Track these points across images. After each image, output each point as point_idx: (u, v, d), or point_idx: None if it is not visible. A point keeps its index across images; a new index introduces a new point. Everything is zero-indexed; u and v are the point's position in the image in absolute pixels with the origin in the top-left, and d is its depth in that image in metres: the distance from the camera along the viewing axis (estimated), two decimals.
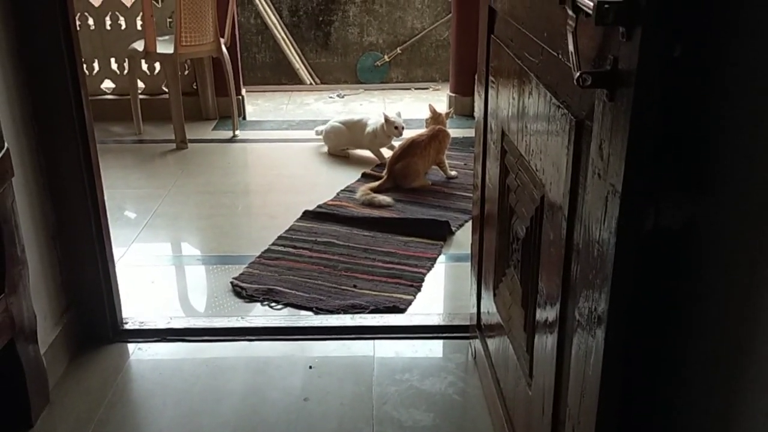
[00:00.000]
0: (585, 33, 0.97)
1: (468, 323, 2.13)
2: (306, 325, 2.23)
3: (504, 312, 1.62)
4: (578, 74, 0.93)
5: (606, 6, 0.86)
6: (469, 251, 2.76)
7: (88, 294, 2.14)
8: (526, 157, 1.38)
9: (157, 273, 2.64)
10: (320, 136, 3.90)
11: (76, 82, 1.98)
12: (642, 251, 0.93)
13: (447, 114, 3.55)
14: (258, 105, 5.39)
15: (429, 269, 2.62)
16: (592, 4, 0.88)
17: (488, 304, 1.82)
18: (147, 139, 4.14)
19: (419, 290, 2.48)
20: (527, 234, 1.39)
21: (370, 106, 5.38)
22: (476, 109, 1.83)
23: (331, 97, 5.69)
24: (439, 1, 5.84)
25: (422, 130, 3.57)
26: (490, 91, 1.70)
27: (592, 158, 0.99)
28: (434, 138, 3.38)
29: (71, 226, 2.07)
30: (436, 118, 3.48)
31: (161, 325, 2.23)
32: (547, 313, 1.25)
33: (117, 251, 2.72)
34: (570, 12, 0.97)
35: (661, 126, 0.89)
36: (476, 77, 1.83)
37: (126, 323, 2.22)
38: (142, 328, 2.21)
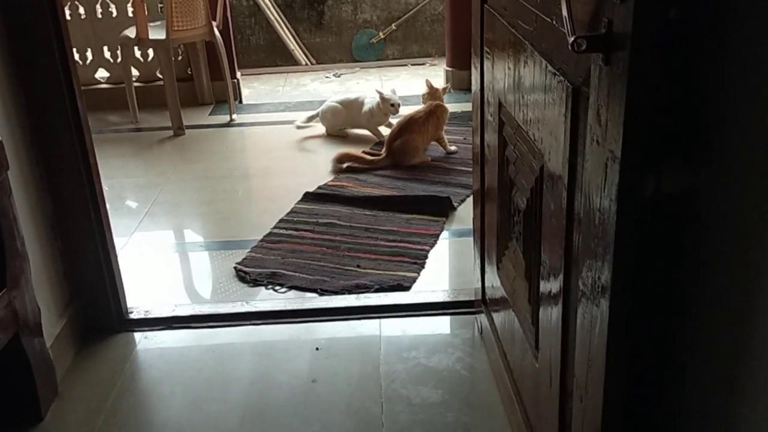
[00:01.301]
0: None
1: (473, 298, 2.13)
2: (311, 307, 2.23)
3: (508, 285, 1.61)
4: (573, 39, 0.90)
5: None
6: (471, 226, 2.77)
7: (91, 284, 2.13)
8: (524, 128, 1.36)
9: (160, 261, 2.63)
10: (304, 127, 3.86)
11: (68, 72, 1.96)
12: (643, 218, 0.92)
13: (444, 89, 3.52)
14: (254, 88, 5.36)
15: (432, 246, 2.61)
16: None
17: (492, 278, 1.81)
18: (144, 127, 4.12)
19: (423, 267, 2.47)
20: (528, 205, 1.37)
21: (367, 84, 5.33)
22: (473, 81, 1.81)
23: (327, 77, 5.64)
24: None
25: (420, 106, 3.54)
26: (486, 63, 1.68)
27: (590, 125, 0.97)
28: (432, 114, 3.35)
29: (70, 217, 2.06)
30: (433, 93, 3.45)
31: (166, 313, 2.22)
32: (550, 285, 1.24)
33: (119, 241, 2.72)
34: None
35: (659, 90, 0.87)
36: (471, 49, 1.81)
37: (131, 312, 2.22)
38: (147, 317, 2.21)
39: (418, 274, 2.43)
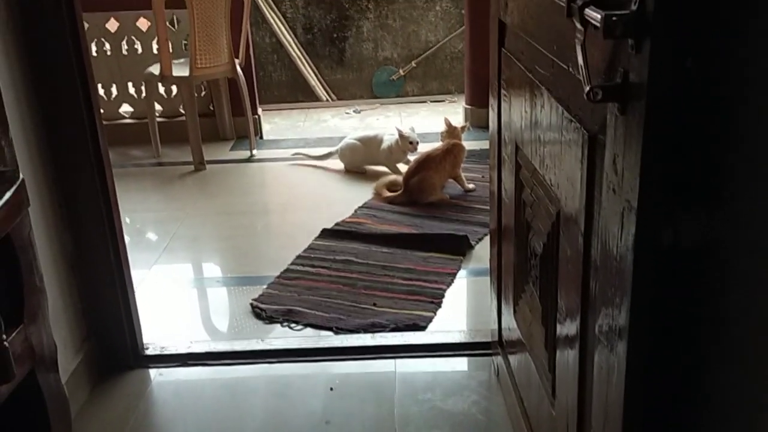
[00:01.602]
0: (594, 46, 0.95)
1: (489, 339, 2.10)
2: (326, 345, 2.21)
3: (524, 329, 1.59)
4: (588, 88, 0.90)
5: (614, 18, 0.84)
6: (489, 266, 2.75)
7: (108, 321, 2.14)
8: (540, 172, 1.35)
9: (177, 296, 2.64)
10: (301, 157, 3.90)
11: (91, 111, 2.00)
12: (661, 266, 0.91)
13: (463, 127, 3.53)
14: (275, 123, 5.42)
15: (449, 285, 2.60)
16: (599, 16, 0.86)
17: (509, 321, 1.79)
18: (166, 161, 4.17)
19: (440, 306, 2.45)
20: (545, 250, 1.36)
21: (387, 121, 5.37)
22: (490, 122, 1.82)
23: (347, 113, 5.69)
24: (453, 14, 5.83)
25: (438, 144, 3.56)
26: (503, 104, 1.68)
27: (606, 173, 0.97)
28: (449, 152, 3.36)
29: (89, 253, 2.08)
30: (451, 131, 3.46)
31: (182, 349, 2.22)
32: (567, 331, 1.22)
33: (137, 275, 2.74)
34: (578, 25, 0.95)
35: (676, 139, 0.86)
36: (489, 90, 1.82)
37: (147, 348, 2.22)
38: (162, 353, 2.20)
39: (435, 313, 2.41)
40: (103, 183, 2.06)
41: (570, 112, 1.14)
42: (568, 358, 1.22)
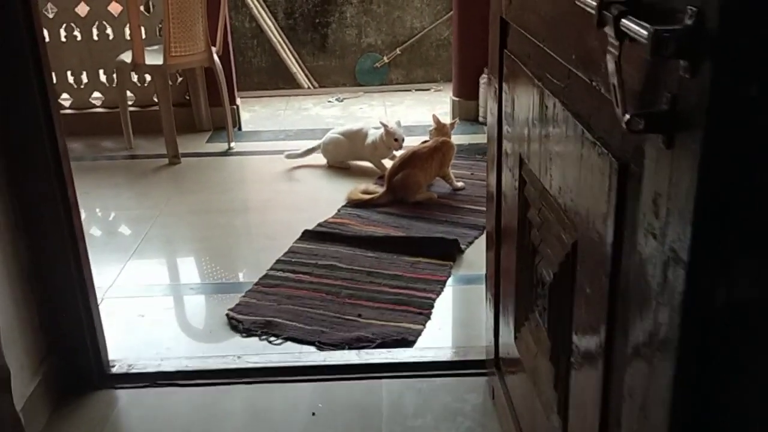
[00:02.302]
0: (632, 63, 0.80)
1: (484, 357, 1.96)
2: (308, 363, 2.06)
3: (528, 360, 1.45)
4: (628, 117, 0.75)
5: (666, 34, 0.68)
6: (481, 272, 2.59)
7: (70, 337, 1.97)
8: (551, 193, 1.20)
9: (147, 305, 2.46)
10: (293, 160, 3.71)
11: (47, 103, 1.80)
12: (710, 328, 0.76)
13: (452, 124, 3.37)
14: (255, 111, 5.23)
15: (438, 293, 2.45)
16: (643, 31, 0.71)
17: (507, 339, 1.65)
18: (139, 154, 3.97)
19: (429, 318, 2.31)
20: (555, 280, 1.21)
21: (371, 110, 5.20)
22: (489, 122, 1.66)
23: (329, 101, 5.52)
24: (439, 0, 5.65)
25: (425, 137, 3.40)
26: (505, 110, 1.52)
27: (643, 214, 0.82)
28: (437, 150, 3.20)
29: (47, 263, 1.90)
30: (440, 129, 3.30)
31: (151, 368, 2.06)
32: (584, 378, 1.08)
33: (104, 281, 2.58)
34: (611, 38, 0.79)
35: (737, 179, 0.71)
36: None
37: (113, 366, 2.05)
38: (130, 372, 2.04)
39: (424, 325, 2.27)
40: (61, 184, 1.86)
41: (592, 132, 0.98)
42: (585, 411, 1.08)
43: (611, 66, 0.81)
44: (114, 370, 2.05)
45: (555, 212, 1.19)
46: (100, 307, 2.42)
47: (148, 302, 2.49)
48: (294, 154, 3.69)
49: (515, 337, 1.55)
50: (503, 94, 1.51)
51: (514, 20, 1.36)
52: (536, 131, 1.27)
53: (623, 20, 0.76)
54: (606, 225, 0.93)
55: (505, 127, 1.54)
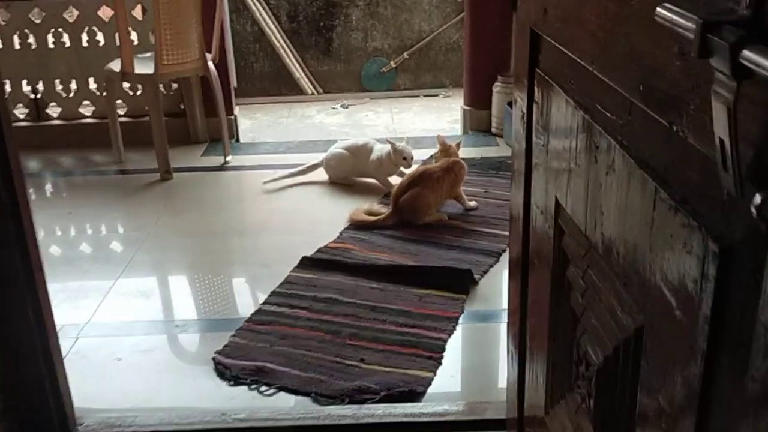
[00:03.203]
0: (754, 112, 0.54)
1: (505, 416, 1.70)
2: (301, 423, 1.79)
3: None
4: (760, 200, 0.49)
5: None
6: (497, 307, 2.34)
7: (29, 391, 1.72)
8: (602, 254, 0.94)
9: (126, 346, 2.21)
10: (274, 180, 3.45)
11: None
12: None
13: (457, 144, 3.10)
14: (256, 119, 5.00)
15: (450, 333, 2.19)
16: None
17: (535, 404, 1.39)
18: (129, 168, 3.73)
19: (440, 363, 2.05)
20: (607, 366, 0.95)
21: (377, 117, 4.96)
22: (513, 144, 1.39)
23: (334, 108, 5.29)
24: (448, 2, 5.40)
25: (434, 150, 3.14)
26: (535, 141, 1.26)
27: (762, 324, 0.56)
28: (449, 171, 2.94)
29: (1, 307, 1.65)
30: (446, 150, 3.03)
31: (124, 424, 1.80)
32: None
33: (81, 316, 2.34)
34: (721, 74, 0.53)
35: None
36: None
37: (80, 425, 1.80)
38: (99, 430, 1.78)
39: (434, 372, 2.01)
40: (14, 209, 1.59)
41: (670, 192, 0.72)
42: None
43: (720, 114, 0.55)
44: (80, 428, 1.79)
45: (608, 281, 0.93)
46: (74, 348, 2.19)
47: (128, 342, 2.24)
48: (276, 176, 3.41)
49: (546, 412, 1.29)
50: (533, 122, 1.25)
51: (551, 34, 1.09)
52: (580, 173, 1.00)
53: (745, 51, 0.50)
54: (696, 324, 0.67)
55: (534, 160, 1.27)
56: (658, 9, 0.64)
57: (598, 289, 0.97)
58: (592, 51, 0.92)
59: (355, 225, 2.89)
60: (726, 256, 0.62)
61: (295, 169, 3.46)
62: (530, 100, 1.27)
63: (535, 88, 1.23)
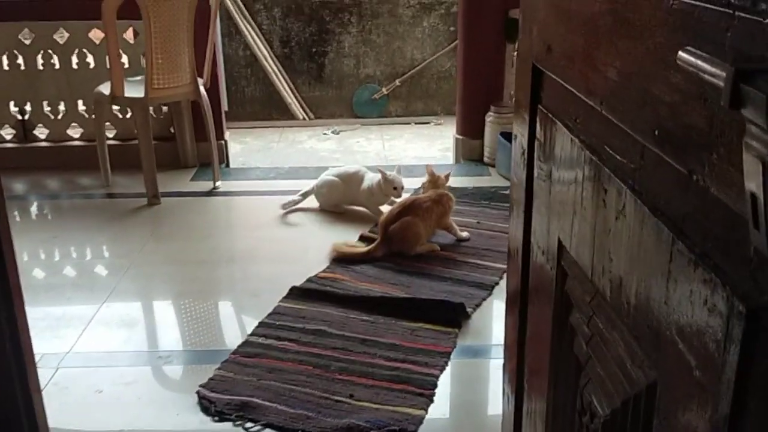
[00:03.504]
0: None
1: None
2: None
3: None
4: None
5: None
6: (490, 342, 2.30)
7: (3, 426, 1.64)
8: (610, 303, 0.90)
9: (108, 378, 2.14)
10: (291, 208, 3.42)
11: None
12: None
13: (446, 176, 3.07)
14: (246, 144, 4.97)
15: (442, 369, 2.14)
16: None
17: None
18: (117, 192, 3.67)
19: (431, 401, 1.99)
20: (614, 418, 0.90)
21: (368, 144, 4.94)
22: (511, 179, 1.35)
23: (325, 134, 5.27)
24: (441, 31, 5.42)
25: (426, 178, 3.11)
26: (536, 178, 1.23)
27: None
28: (438, 203, 2.90)
29: None
30: (434, 181, 3.01)
31: None
32: None
33: (62, 346, 2.28)
34: (759, 129, 0.49)
35: None
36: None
37: None
38: None
39: (426, 410, 1.95)
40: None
41: (688, 244, 0.68)
42: None
43: (753, 168, 0.51)
44: None
45: (616, 331, 0.89)
46: (54, 379, 2.13)
47: (110, 374, 2.17)
48: (289, 202, 3.38)
49: None
50: (534, 159, 1.22)
51: (556, 72, 1.06)
52: (586, 216, 0.97)
53: None
54: (719, 388, 0.63)
55: (535, 198, 1.24)
56: (681, 53, 0.60)
57: (605, 338, 0.93)
58: (601, 91, 0.88)
59: (339, 259, 2.82)
60: (753, 317, 0.58)
61: (294, 198, 3.41)
62: (531, 137, 1.23)
63: (537, 125, 1.19)
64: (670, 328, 0.72)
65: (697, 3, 0.63)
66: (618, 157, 0.86)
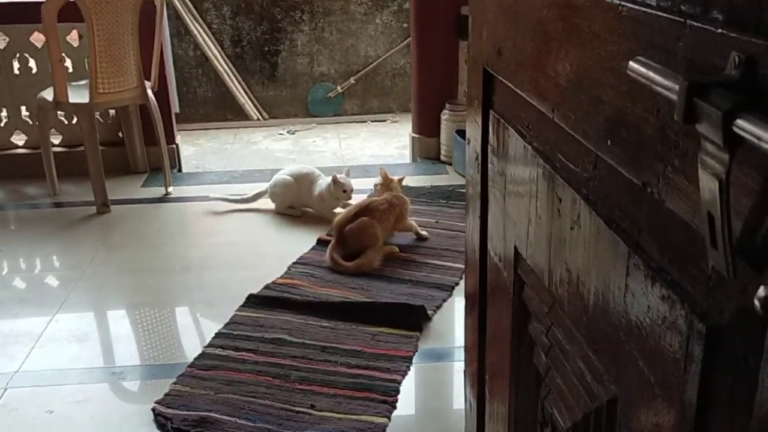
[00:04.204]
0: (749, 186, 0.48)
1: None
2: None
3: None
4: (764, 294, 0.43)
5: None
6: (452, 345, 2.28)
7: None
8: (568, 314, 0.88)
9: (58, 397, 2.06)
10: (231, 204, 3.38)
11: None
12: None
13: (400, 179, 3.05)
14: (200, 145, 4.88)
15: (404, 374, 2.11)
16: None
17: None
18: (64, 201, 3.55)
19: (394, 407, 1.96)
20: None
21: (324, 143, 4.90)
22: (467, 186, 1.32)
23: (280, 134, 5.21)
24: (394, 28, 5.40)
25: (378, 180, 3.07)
26: (491, 184, 1.20)
27: (758, 419, 0.50)
28: (393, 206, 2.87)
29: None
30: (387, 184, 2.98)
31: None
32: None
33: (9, 365, 2.20)
34: (714, 147, 0.47)
35: None
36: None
37: None
38: None
39: (389, 418, 1.92)
40: None
41: (644, 257, 0.66)
42: None
43: (709, 185, 0.49)
44: None
45: (575, 344, 0.86)
46: (2, 401, 2.05)
47: (60, 392, 2.09)
48: (226, 197, 3.34)
49: None
50: (488, 165, 1.19)
51: (506, 76, 1.04)
52: (542, 225, 0.94)
53: (740, 120, 0.44)
54: (680, 407, 0.61)
55: (491, 204, 1.21)
56: (631, 63, 0.58)
57: (564, 349, 0.91)
58: (553, 98, 0.86)
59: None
60: (713, 335, 0.56)
61: (242, 196, 3.37)
62: (485, 141, 1.21)
63: (490, 130, 1.17)
64: (629, 342, 0.70)
65: (647, 10, 0.61)
66: (571, 166, 0.84)
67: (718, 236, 0.50)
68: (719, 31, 0.51)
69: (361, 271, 2.69)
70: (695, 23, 0.54)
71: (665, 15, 0.58)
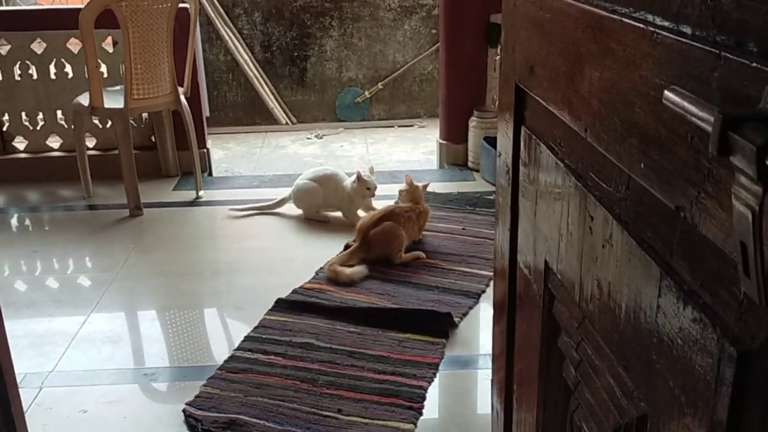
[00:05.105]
0: None
1: None
2: None
3: None
4: (763, 296, 0.44)
5: None
6: (477, 352, 2.29)
7: None
8: (599, 331, 0.89)
9: (92, 397, 2.11)
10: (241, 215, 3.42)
11: None
12: None
13: (424, 186, 3.06)
14: (229, 149, 4.95)
15: (430, 381, 2.13)
16: None
17: None
18: (98, 203, 3.63)
19: (420, 414, 1.98)
20: None
21: (351, 148, 4.93)
22: (496, 197, 1.34)
23: (308, 138, 5.26)
24: (422, 34, 5.42)
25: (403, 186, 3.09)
26: (521, 198, 1.22)
27: None
28: (419, 216, 2.91)
29: None
30: (412, 191, 2.98)
31: None
32: None
33: (45, 365, 2.25)
34: (747, 179, 0.49)
35: None
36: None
37: None
38: None
39: (415, 424, 1.94)
40: None
41: (677, 281, 0.68)
42: None
43: (742, 216, 0.50)
44: None
45: (605, 360, 0.88)
46: (38, 399, 2.10)
47: (94, 393, 2.14)
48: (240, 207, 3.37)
49: None
50: (519, 179, 1.21)
51: (539, 93, 1.05)
52: (573, 242, 0.96)
53: None
54: (710, 428, 0.62)
55: (521, 218, 1.23)
56: (667, 92, 0.59)
57: (594, 365, 0.92)
58: (586, 118, 0.88)
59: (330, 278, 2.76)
60: (745, 360, 0.58)
61: (264, 203, 3.41)
62: (516, 156, 1.23)
63: (522, 145, 1.18)
64: (660, 362, 0.72)
65: (683, 39, 0.62)
66: (603, 185, 0.85)
67: (751, 265, 0.51)
68: (754, 64, 0.52)
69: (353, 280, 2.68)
70: (730, 55, 0.55)
71: (700, 45, 0.59)
